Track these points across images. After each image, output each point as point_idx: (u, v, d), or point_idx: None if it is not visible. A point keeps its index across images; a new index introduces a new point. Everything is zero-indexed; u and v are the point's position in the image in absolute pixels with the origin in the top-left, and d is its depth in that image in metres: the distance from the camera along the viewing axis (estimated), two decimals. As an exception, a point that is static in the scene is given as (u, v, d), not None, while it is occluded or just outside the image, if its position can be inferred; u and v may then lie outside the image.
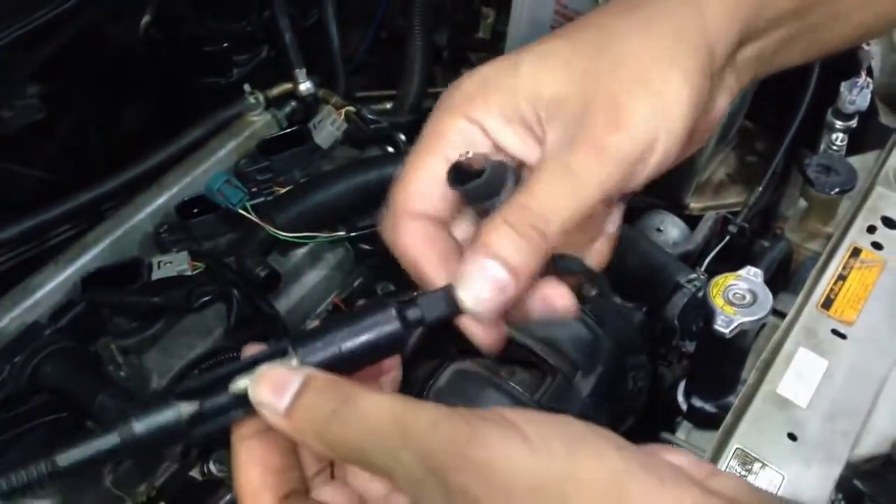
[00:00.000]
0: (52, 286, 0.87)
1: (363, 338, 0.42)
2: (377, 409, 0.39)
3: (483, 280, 0.43)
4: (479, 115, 0.48)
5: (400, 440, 0.38)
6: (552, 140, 0.47)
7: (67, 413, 0.74)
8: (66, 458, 0.40)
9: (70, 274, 0.88)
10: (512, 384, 0.84)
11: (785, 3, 0.50)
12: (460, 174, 0.46)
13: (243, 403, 0.41)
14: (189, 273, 0.87)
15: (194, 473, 0.82)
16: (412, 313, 0.43)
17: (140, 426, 0.40)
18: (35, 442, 0.73)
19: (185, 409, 0.41)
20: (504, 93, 0.48)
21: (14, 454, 0.72)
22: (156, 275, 0.86)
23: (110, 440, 0.41)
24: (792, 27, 0.51)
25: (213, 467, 0.80)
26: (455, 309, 0.44)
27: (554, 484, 0.36)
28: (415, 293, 0.46)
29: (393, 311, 0.42)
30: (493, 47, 1.47)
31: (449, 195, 0.48)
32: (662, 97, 0.46)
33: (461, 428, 0.38)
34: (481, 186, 0.46)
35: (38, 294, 0.86)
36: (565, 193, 0.44)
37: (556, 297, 0.46)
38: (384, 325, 0.42)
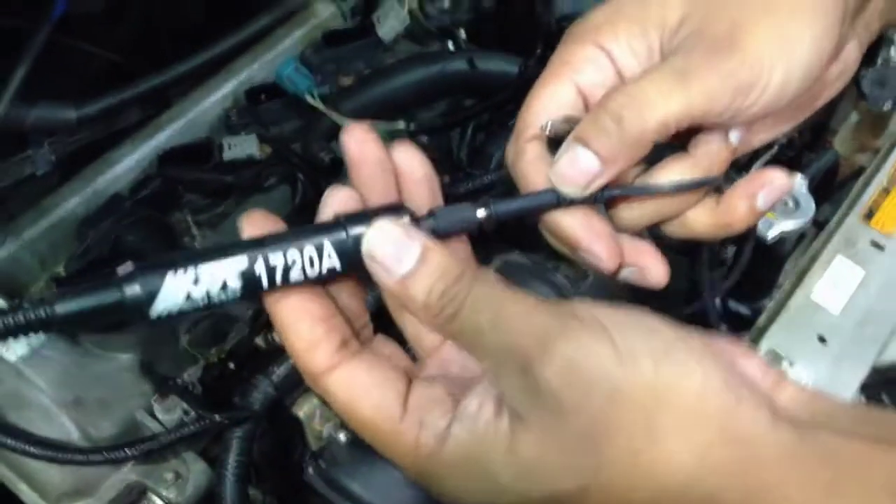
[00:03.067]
0: (130, 161, 0.92)
1: (479, 214, 0.45)
2: (481, 290, 0.40)
3: (575, 169, 0.44)
4: (607, 43, 0.48)
5: (495, 322, 0.39)
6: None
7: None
8: (64, 306, 0.38)
9: (147, 151, 0.93)
10: (558, 275, 0.88)
11: None
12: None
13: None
14: (257, 155, 0.92)
15: (259, 341, 0.88)
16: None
17: (140, 285, 0.39)
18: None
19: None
20: (633, 21, 0.47)
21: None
22: (226, 155, 0.91)
23: (111, 295, 0.39)
24: None
25: (276, 336, 0.87)
26: (554, 199, 0.45)
27: (635, 394, 0.37)
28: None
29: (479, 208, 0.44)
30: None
31: (573, 121, 0.47)
32: (786, 30, 0.45)
33: (552, 322, 0.38)
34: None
35: (118, 168, 0.92)
36: (671, 90, 0.44)
37: (652, 270, 0.48)
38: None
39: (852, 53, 0.51)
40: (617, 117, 0.43)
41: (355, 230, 0.41)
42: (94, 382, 0.78)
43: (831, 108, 1.29)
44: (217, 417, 0.73)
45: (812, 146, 1.21)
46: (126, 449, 0.69)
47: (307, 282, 0.42)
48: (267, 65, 1.01)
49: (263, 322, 0.81)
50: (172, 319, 0.40)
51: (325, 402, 0.47)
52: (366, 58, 1.02)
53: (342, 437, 0.79)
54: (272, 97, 0.96)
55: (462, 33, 1.06)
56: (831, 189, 1.07)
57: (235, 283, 0.40)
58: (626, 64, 0.48)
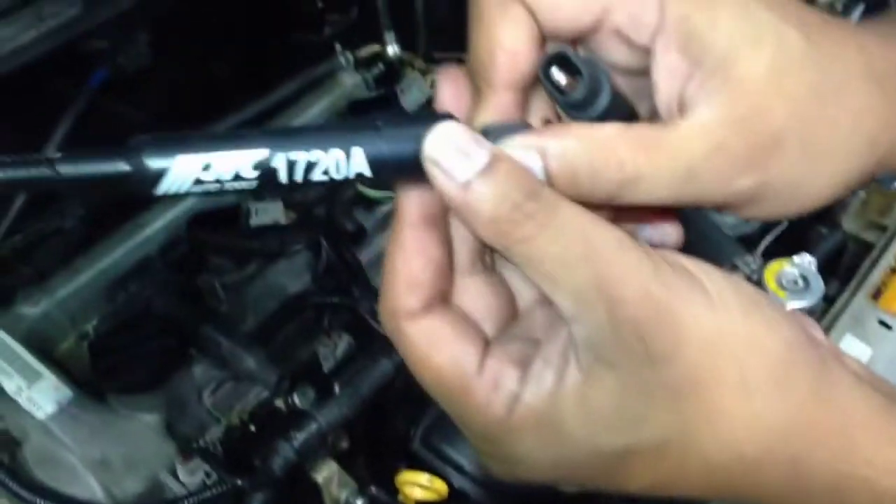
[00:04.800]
0: (160, 223, 0.96)
1: None
2: (565, 213, 0.35)
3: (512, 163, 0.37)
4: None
5: (581, 252, 0.35)
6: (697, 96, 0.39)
7: (176, 340, 0.84)
8: (68, 168, 0.35)
9: (177, 213, 0.96)
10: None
11: None
12: (554, 64, 0.40)
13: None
14: (283, 221, 0.95)
15: (279, 403, 0.91)
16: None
17: (149, 160, 0.36)
18: (147, 365, 0.83)
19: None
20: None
21: (130, 374, 0.82)
22: (253, 221, 0.95)
23: (118, 165, 0.36)
24: None
25: (297, 399, 0.89)
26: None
27: (727, 341, 0.35)
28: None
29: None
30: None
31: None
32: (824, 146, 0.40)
33: (646, 261, 0.35)
34: (579, 98, 0.39)
35: (148, 230, 0.95)
36: (676, 185, 0.38)
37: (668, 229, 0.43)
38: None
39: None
40: (593, 172, 0.37)
41: (391, 134, 0.37)
42: (120, 442, 0.80)
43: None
44: (238, 482, 0.75)
45: (820, 218, 1.24)
46: (151, 512, 0.71)
47: (332, 182, 0.38)
48: (294, 132, 1.05)
49: (286, 387, 0.83)
50: (178, 198, 0.38)
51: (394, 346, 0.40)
52: (389, 127, 1.05)
53: (359, 502, 0.81)
54: (299, 164, 0.99)
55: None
56: (839, 266, 1.10)
57: (250, 174, 0.36)
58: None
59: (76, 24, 0.78)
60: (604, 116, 0.40)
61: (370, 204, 0.99)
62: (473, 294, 0.42)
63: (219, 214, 0.96)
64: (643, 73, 0.41)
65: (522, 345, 0.40)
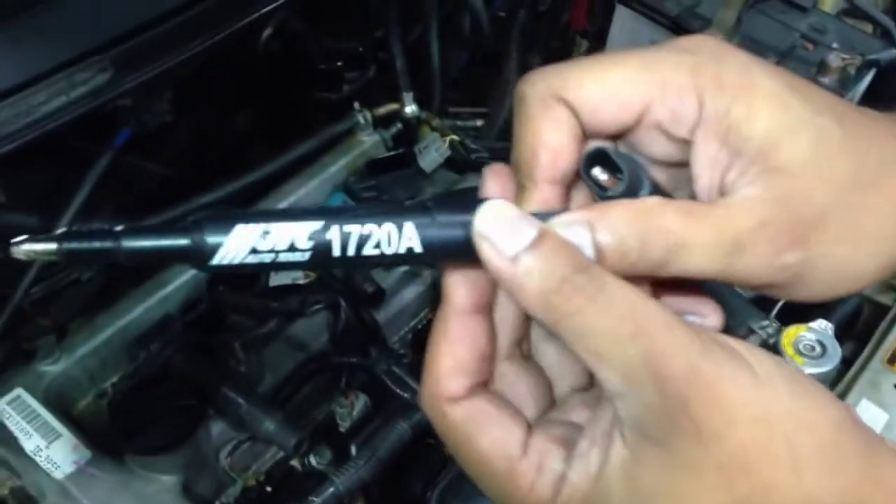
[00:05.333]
0: (180, 281, 0.96)
1: None
2: (613, 288, 0.36)
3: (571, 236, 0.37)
4: (708, 100, 0.41)
5: (631, 329, 0.35)
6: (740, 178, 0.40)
7: (195, 400, 0.84)
8: (131, 241, 0.37)
9: (197, 272, 0.97)
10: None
11: None
12: (595, 162, 0.42)
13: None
14: (302, 282, 0.96)
15: (295, 463, 0.91)
16: None
17: (208, 235, 0.37)
18: (165, 427, 0.83)
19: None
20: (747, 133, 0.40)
21: (149, 435, 0.82)
22: (273, 280, 0.95)
23: (180, 241, 0.37)
24: None
25: (313, 459, 0.89)
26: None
27: (777, 420, 0.35)
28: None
29: None
30: (584, 73, 1.52)
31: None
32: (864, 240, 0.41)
33: (695, 339, 0.35)
34: (620, 193, 0.40)
35: (169, 288, 0.96)
36: (719, 257, 0.38)
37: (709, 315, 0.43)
38: None
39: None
40: (641, 240, 0.38)
41: (442, 216, 0.38)
42: (137, 503, 0.80)
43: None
44: (257, 545, 0.74)
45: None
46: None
47: (383, 258, 0.38)
48: (313, 190, 1.06)
49: (304, 450, 0.83)
50: (233, 269, 0.38)
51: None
52: (406, 186, 1.07)
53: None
54: (318, 224, 1.00)
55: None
56: (856, 327, 1.10)
57: (304, 245, 0.37)
58: (698, 149, 0.41)
59: (106, 89, 0.80)
60: None
61: (383, 205, 1.00)
62: (512, 379, 0.43)
63: (239, 273, 0.97)
64: (682, 164, 0.42)
65: (564, 428, 0.40)
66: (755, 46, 1.11)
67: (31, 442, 0.81)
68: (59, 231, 0.37)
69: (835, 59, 1.05)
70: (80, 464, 0.81)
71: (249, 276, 0.96)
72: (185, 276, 0.97)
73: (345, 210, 0.39)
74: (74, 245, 0.36)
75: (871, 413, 0.90)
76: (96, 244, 0.37)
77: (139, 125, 1.08)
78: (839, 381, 0.93)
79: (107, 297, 1.08)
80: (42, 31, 0.79)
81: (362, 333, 0.93)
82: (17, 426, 0.82)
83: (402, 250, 0.38)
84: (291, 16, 1.24)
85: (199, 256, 0.37)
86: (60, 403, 0.88)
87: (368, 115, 1.17)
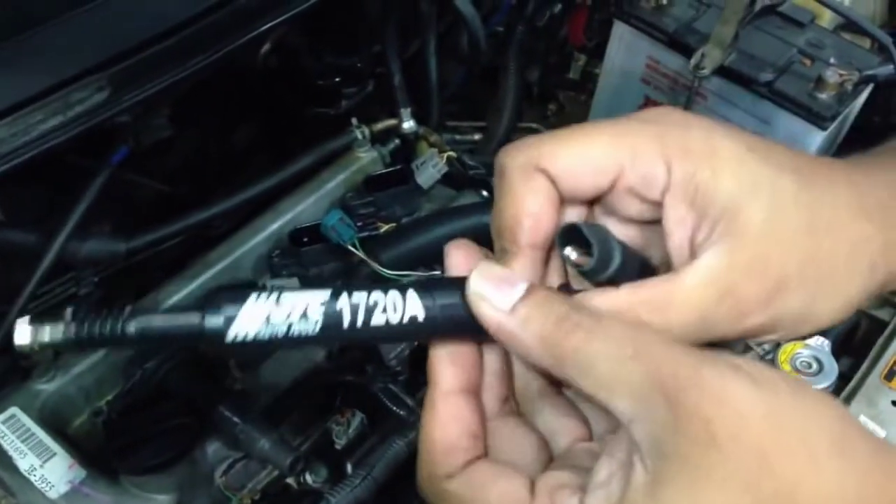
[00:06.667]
0: (176, 300, 0.96)
1: None
2: (609, 319, 0.38)
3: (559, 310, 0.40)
4: (675, 166, 0.44)
5: (631, 350, 0.37)
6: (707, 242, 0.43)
7: (190, 419, 0.84)
8: (138, 322, 0.38)
9: (193, 289, 0.97)
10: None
11: None
12: (568, 238, 0.45)
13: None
14: (299, 297, 0.95)
15: (290, 481, 0.90)
16: None
17: (222, 316, 0.38)
18: (161, 446, 0.83)
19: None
20: (712, 189, 0.44)
21: (144, 454, 0.82)
22: (269, 297, 0.95)
23: (191, 319, 0.38)
24: None
25: (308, 477, 0.89)
26: None
27: (786, 415, 0.36)
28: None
29: None
30: (583, 87, 1.53)
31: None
32: (835, 283, 0.44)
33: (694, 353, 0.37)
34: (591, 268, 0.44)
35: (164, 307, 0.95)
36: (711, 320, 0.42)
37: None
38: None
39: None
40: (635, 317, 0.42)
41: (441, 296, 0.41)
42: (132, 523, 0.80)
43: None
44: (251, 566, 0.74)
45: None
46: None
47: (389, 329, 0.41)
48: (310, 207, 1.06)
49: (300, 469, 0.83)
50: (249, 346, 0.39)
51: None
52: (404, 203, 1.07)
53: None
54: (314, 240, 1.00)
55: (496, 182, 1.11)
56: (853, 341, 1.10)
57: (316, 314, 0.39)
58: (670, 210, 0.45)
59: (103, 108, 0.80)
60: (615, 276, 0.43)
61: (386, 281, 1.00)
62: (507, 436, 0.45)
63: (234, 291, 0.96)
64: (655, 221, 0.46)
65: (570, 471, 0.42)
66: (753, 62, 1.11)
67: (25, 461, 0.81)
68: (68, 313, 0.38)
69: (832, 75, 1.05)
70: (75, 483, 0.81)
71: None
72: (180, 295, 0.97)
73: (353, 283, 0.41)
74: (83, 332, 0.38)
75: (868, 430, 0.90)
76: (105, 330, 0.38)
77: (137, 142, 1.08)
78: (836, 398, 0.93)
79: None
80: (39, 50, 0.80)
81: (358, 351, 0.93)
82: (12, 445, 0.81)
83: (406, 317, 0.40)
84: (289, 32, 1.25)
85: (216, 334, 0.38)
86: (55, 422, 0.87)
87: (366, 131, 1.17)
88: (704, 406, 0.35)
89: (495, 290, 0.40)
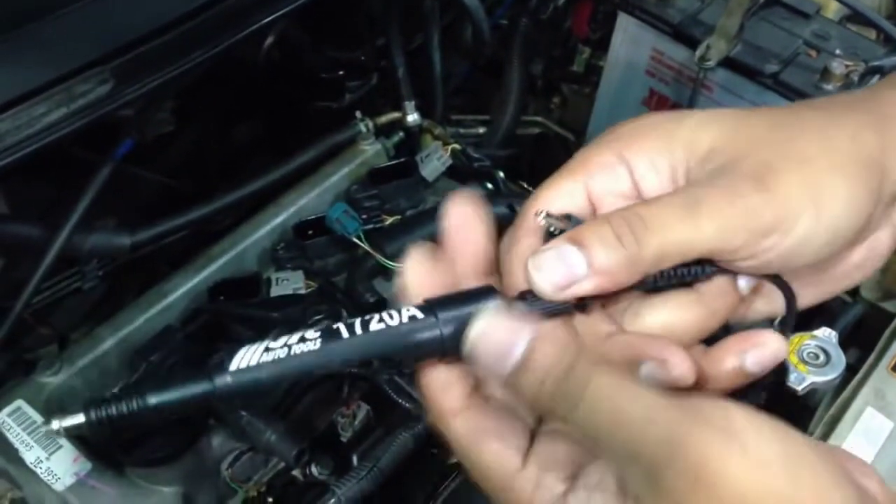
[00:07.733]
0: (181, 292, 0.96)
1: None
2: (600, 381, 0.37)
3: (560, 265, 0.42)
4: (630, 155, 0.47)
5: (611, 429, 0.36)
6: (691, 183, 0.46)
7: (196, 412, 0.84)
8: (156, 397, 0.39)
9: (198, 282, 0.97)
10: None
11: None
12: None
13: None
14: (303, 291, 0.95)
15: (296, 473, 0.90)
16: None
17: (232, 376, 0.40)
18: (166, 438, 0.83)
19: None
20: (662, 138, 0.46)
21: (150, 446, 0.82)
22: (274, 290, 0.95)
23: (202, 386, 0.40)
24: None
25: (314, 469, 0.89)
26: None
27: (769, 501, 0.34)
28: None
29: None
30: (587, 80, 1.52)
31: (571, 221, 0.46)
32: (821, 182, 0.43)
33: (677, 424, 0.35)
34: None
35: (170, 298, 0.96)
36: (681, 218, 0.42)
37: (673, 362, 0.43)
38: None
39: (882, 244, 0.49)
40: (619, 233, 0.42)
41: (447, 324, 0.41)
42: (138, 515, 0.80)
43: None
44: (257, 557, 0.74)
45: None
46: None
47: (390, 330, 0.41)
48: (314, 200, 1.06)
49: (305, 461, 0.83)
50: (256, 385, 0.40)
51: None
52: (408, 195, 1.07)
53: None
54: (319, 233, 1.00)
55: (501, 174, 1.11)
56: (860, 333, 1.09)
57: (314, 335, 0.40)
58: (646, 179, 0.47)
59: (106, 101, 0.80)
60: None
61: (389, 275, 1.00)
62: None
63: (240, 283, 0.97)
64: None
65: (572, 443, 0.42)
66: (758, 53, 1.10)
67: (31, 453, 0.81)
68: (86, 403, 0.41)
69: (838, 66, 1.05)
70: (81, 475, 0.81)
71: (251, 287, 0.96)
72: (186, 287, 0.97)
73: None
74: (101, 413, 0.41)
75: (876, 422, 0.90)
76: (123, 408, 0.40)
77: (141, 135, 1.08)
78: (843, 389, 0.92)
79: (108, 308, 1.08)
80: (43, 43, 0.80)
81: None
82: (18, 438, 0.81)
83: (405, 317, 0.41)
84: (293, 25, 1.25)
85: (226, 398, 0.40)
86: (59, 413, 0.87)
87: (370, 124, 1.16)
88: (681, 487, 0.34)
89: (493, 352, 0.40)
